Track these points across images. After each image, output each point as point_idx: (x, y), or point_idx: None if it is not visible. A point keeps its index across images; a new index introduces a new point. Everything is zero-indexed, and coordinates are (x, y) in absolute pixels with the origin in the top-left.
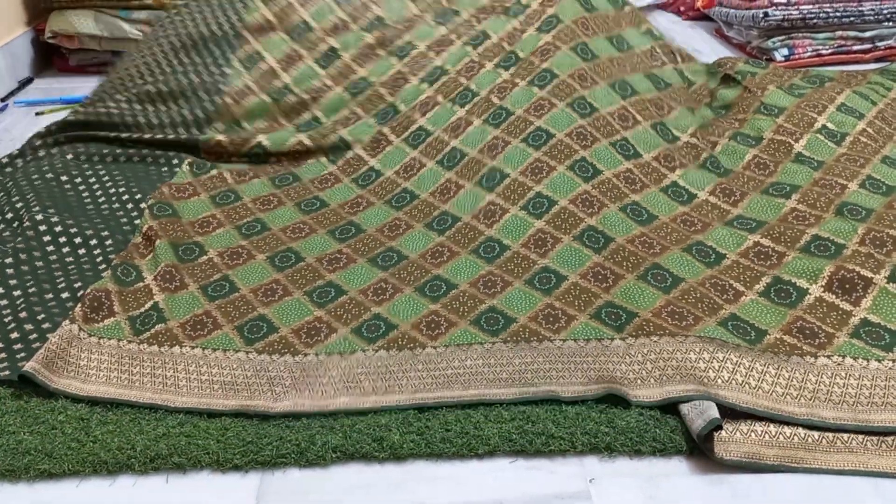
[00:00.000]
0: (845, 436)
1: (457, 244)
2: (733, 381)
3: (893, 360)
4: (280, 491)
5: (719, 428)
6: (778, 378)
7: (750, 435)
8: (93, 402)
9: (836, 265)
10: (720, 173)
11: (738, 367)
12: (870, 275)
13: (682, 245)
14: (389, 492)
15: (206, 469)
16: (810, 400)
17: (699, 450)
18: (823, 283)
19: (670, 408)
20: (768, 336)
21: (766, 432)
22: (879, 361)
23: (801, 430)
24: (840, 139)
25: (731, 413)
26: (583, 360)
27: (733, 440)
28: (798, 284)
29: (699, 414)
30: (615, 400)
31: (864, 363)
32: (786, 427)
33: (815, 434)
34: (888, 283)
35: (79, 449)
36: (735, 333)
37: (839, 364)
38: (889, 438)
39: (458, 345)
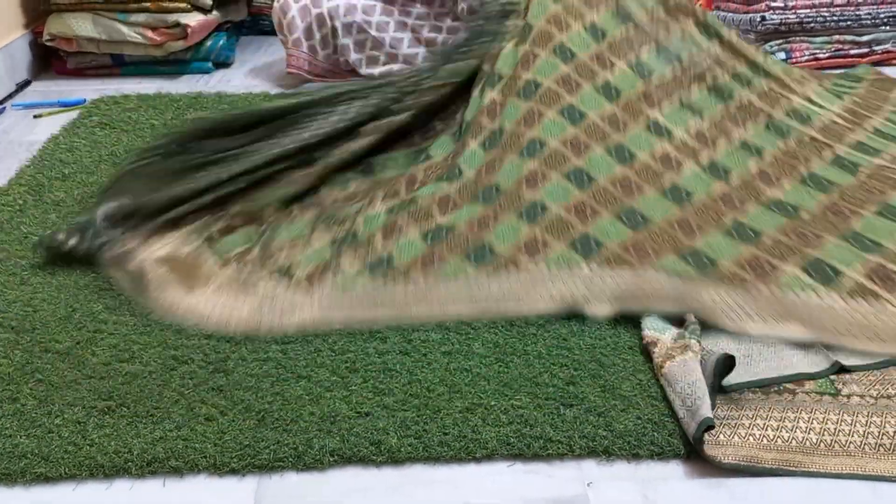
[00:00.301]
0: (843, 439)
1: (461, 195)
2: (686, 297)
3: (832, 298)
4: (277, 494)
5: (711, 428)
6: (727, 299)
7: (748, 438)
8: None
9: (794, 224)
10: (695, 113)
11: (690, 290)
12: (825, 235)
13: (657, 188)
14: (387, 495)
15: (204, 472)
16: (761, 319)
17: (697, 453)
18: (782, 233)
19: (668, 412)
20: (720, 268)
21: (763, 436)
22: (819, 296)
23: (798, 434)
24: (810, 120)
25: (727, 416)
26: (552, 284)
27: (731, 444)
28: (757, 229)
29: (692, 416)
30: (613, 404)
31: (805, 296)
32: (783, 430)
33: (813, 437)
34: (842, 240)
35: (76, 452)
36: (691, 263)
37: (782, 295)
38: (887, 442)
39: (447, 277)
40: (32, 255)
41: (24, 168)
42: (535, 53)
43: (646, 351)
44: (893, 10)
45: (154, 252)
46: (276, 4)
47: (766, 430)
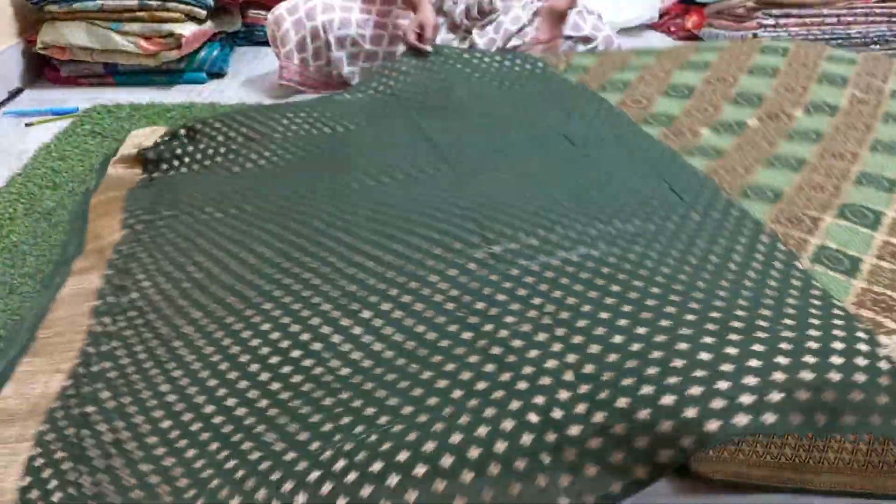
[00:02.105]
0: (832, 456)
1: None
2: None
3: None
4: None
5: None
6: None
7: (737, 455)
8: None
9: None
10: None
11: None
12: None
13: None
14: None
15: None
16: None
17: (685, 470)
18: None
19: None
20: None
21: (753, 452)
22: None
23: (787, 451)
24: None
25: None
26: None
27: (721, 459)
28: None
29: None
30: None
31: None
32: (772, 447)
33: (802, 454)
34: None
35: None
36: None
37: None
38: (875, 459)
39: None
40: (22, 265)
41: (15, 176)
42: None
43: None
44: (882, 29)
45: None
46: (270, 17)
47: (756, 446)
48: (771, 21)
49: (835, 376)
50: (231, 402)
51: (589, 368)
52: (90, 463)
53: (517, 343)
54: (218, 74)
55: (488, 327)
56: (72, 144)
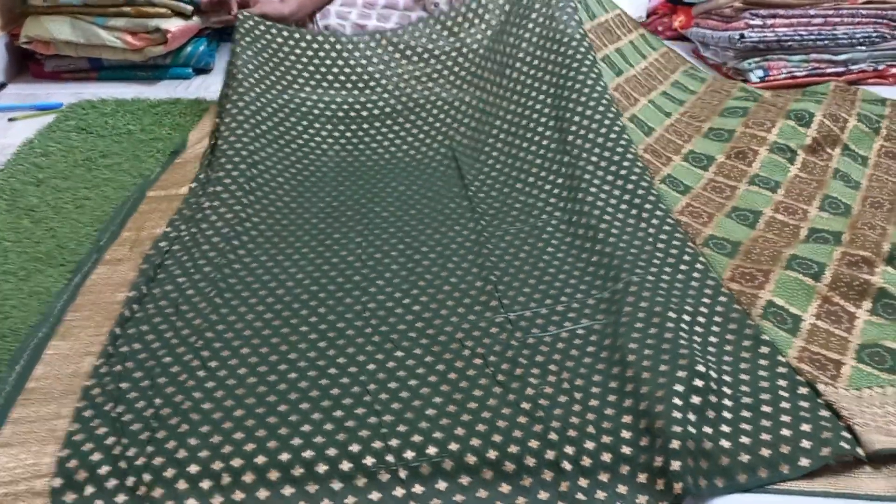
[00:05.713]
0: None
1: None
2: None
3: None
4: None
5: None
6: None
7: None
8: None
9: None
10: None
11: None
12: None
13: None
14: None
15: None
16: None
17: None
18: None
19: None
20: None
21: None
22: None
23: None
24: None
25: None
26: None
27: None
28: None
29: None
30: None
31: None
32: None
33: None
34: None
35: None
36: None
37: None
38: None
39: None
40: (3, 262)
41: None
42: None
43: None
44: (868, 30)
45: None
46: None
47: None
48: (758, 21)
49: (786, 432)
50: (268, 395)
51: (607, 425)
52: (134, 436)
53: (543, 402)
54: (204, 70)
55: (515, 385)
56: (55, 140)
